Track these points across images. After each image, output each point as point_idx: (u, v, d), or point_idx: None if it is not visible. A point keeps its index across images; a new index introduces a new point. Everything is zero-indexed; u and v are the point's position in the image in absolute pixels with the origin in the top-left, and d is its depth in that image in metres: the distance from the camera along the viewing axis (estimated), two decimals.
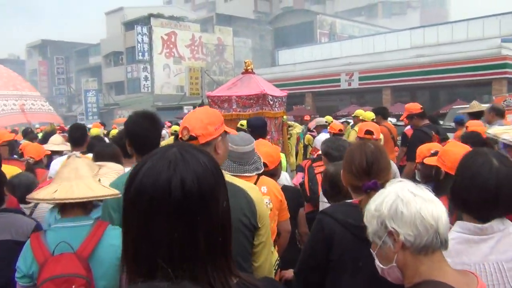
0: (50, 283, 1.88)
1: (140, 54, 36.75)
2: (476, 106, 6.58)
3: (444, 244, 1.35)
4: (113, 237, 2.07)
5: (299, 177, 4.47)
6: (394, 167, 4.35)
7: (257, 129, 4.56)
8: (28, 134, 9.00)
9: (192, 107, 24.89)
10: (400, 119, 7.41)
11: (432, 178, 2.64)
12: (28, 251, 1.99)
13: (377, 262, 1.45)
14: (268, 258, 2.17)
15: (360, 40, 26.23)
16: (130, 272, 0.96)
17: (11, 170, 3.48)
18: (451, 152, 2.46)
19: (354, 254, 1.82)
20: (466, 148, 2.39)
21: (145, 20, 38.16)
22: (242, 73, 6.27)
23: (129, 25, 40.04)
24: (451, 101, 20.44)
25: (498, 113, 5.85)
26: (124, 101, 40.04)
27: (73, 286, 1.88)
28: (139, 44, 36.50)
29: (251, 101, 5.75)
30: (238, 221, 1.96)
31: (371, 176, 1.90)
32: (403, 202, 1.34)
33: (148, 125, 2.54)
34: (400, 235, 1.33)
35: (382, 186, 1.69)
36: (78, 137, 4.64)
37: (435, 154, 2.74)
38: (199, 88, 27.19)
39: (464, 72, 19.58)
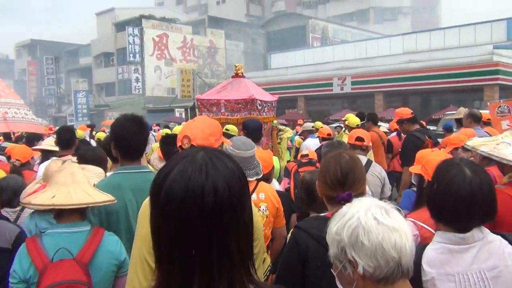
0: None
1: (131, 55, 36.51)
2: (463, 112, 6.64)
3: (406, 273, 1.28)
4: (110, 243, 2.11)
5: (285, 182, 4.42)
6: (383, 173, 4.31)
7: (253, 131, 4.55)
8: (8, 137, 8.66)
9: (183, 109, 24.70)
10: (390, 124, 7.49)
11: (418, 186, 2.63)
12: (25, 256, 1.97)
13: (337, 283, 1.40)
14: (259, 268, 2.17)
15: (353, 45, 26.26)
16: (165, 272, 0.97)
17: None
18: (434, 162, 2.40)
19: (329, 269, 1.76)
20: (448, 156, 2.39)
21: (137, 21, 37.96)
22: (232, 77, 6.26)
23: (120, 26, 39.79)
24: (442, 107, 20.50)
25: (475, 119, 5.92)
26: (115, 102, 39.70)
27: None
28: (130, 45, 36.26)
29: (239, 105, 5.76)
30: None
31: (345, 187, 1.90)
32: (365, 231, 1.26)
33: (135, 129, 2.53)
34: (359, 265, 1.26)
35: (358, 197, 1.66)
36: (67, 139, 4.61)
37: None
38: (191, 91, 27.00)
39: (456, 78, 19.67)
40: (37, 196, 2.13)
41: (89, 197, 2.08)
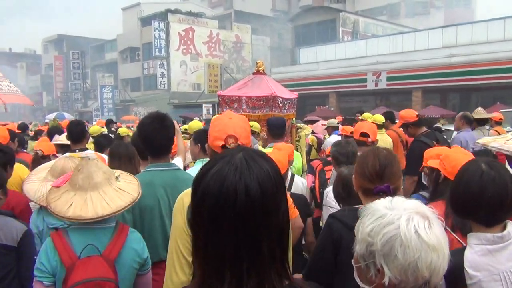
0: (81, 286, 1.86)
1: (156, 50, 36.12)
2: (481, 113, 6.62)
3: None
4: (134, 240, 2.12)
5: (309, 180, 4.37)
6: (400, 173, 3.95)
7: (276, 128, 4.59)
8: (24, 129, 8.91)
9: (211, 105, 24.01)
10: (391, 128, 7.15)
11: (432, 181, 2.66)
12: (52, 251, 1.95)
13: (355, 275, 1.33)
14: None
15: (388, 39, 25.01)
16: (201, 277, 1.00)
17: (16, 168, 3.49)
18: (452, 157, 2.46)
19: None
20: (469, 154, 2.46)
21: (162, 16, 37.60)
22: (254, 74, 6.25)
23: (146, 21, 39.49)
24: (483, 105, 19.35)
25: (467, 121, 6.08)
26: (140, 97, 39.44)
27: None
28: (156, 40, 35.86)
29: (261, 102, 5.77)
30: None
31: (384, 180, 1.94)
32: (402, 244, 1.17)
33: (157, 126, 2.59)
34: (386, 276, 1.19)
35: (394, 191, 1.91)
36: (78, 133, 4.59)
37: None
38: (218, 86, 26.34)
39: (501, 74, 18.41)
40: (56, 199, 2.07)
41: (105, 206, 2.03)
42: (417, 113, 5.26)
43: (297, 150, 5.79)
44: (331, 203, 3.20)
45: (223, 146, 1.96)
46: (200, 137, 3.51)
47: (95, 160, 2.21)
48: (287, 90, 6.60)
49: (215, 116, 2.43)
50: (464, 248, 1.73)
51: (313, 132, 9.60)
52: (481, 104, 21.54)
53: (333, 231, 1.99)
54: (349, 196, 2.55)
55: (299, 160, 4.59)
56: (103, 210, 2.00)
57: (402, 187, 2.17)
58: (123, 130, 9.17)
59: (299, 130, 6.42)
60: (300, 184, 3.91)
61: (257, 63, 6.38)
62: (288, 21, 37.05)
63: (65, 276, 1.90)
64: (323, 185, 4.07)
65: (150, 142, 2.63)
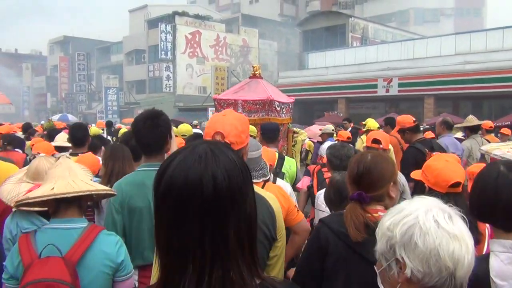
0: (32, 286, 1.79)
1: (163, 52, 35.74)
2: (473, 120, 6.58)
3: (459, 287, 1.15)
4: (106, 243, 2.01)
5: (306, 181, 4.34)
6: (402, 179, 4.08)
7: (269, 132, 4.56)
8: (27, 129, 9.00)
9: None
10: (391, 133, 7.21)
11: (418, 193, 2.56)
12: (16, 252, 1.93)
13: (379, 281, 1.30)
14: (281, 271, 2.12)
15: (399, 45, 24.51)
16: (163, 271, 0.98)
17: (4, 167, 3.40)
18: (434, 167, 2.37)
19: (346, 264, 1.84)
20: (450, 162, 2.37)
21: (169, 18, 37.29)
22: (250, 77, 6.21)
23: (153, 23, 39.20)
24: (496, 114, 18.84)
25: (447, 126, 6.10)
26: (145, 100, 39.02)
27: None
28: (162, 43, 35.50)
29: (257, 106, 5.73)
30: (258, 230, 1.63)
31: (360, 187, 1.90)
32: (421, 232, 1.15)
33: (149, 124, 2.53)
34: (407, 268, 1.17)
35: (378, 198, 1.88)
36: (80, 137, 4.52)
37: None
38: (225, 89, 25.86)
39: None
40: (35, 190, 2.08)
41: (90, 186, 2.04)
42: (414, 119, 5.16)
43: (292, 156, 5.76)
44: (321, 206, 3.15)
45: None
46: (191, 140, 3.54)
47: (70, 159, 2.25)
48: (284, 94, 6.53)
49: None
50: (487, 255, 1.65)
51: (309, 138, 9.73)
52: (494, 113, 21.09)
53: (321, 236, 1.95)
54: (340, 202, 2.54)
55: (293, 166, 4.51)
56: (87, 187, 2.02)
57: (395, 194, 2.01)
58: (123, 131, 8.83)
59: (295, 135, 6.40)
60: (282, 185, 3.78)
61: (253, 67, 6.34)
62: (296, 25, 36.64)
63: (22, 276, 1.85)
64: (321, 184, 4.00)
65: (141, 139, 2.58)
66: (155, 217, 1.00)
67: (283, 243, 2.12)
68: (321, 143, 7.95)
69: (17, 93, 54.02)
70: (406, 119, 5.21)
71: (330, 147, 3.96)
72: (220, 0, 56.25)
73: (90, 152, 4.32)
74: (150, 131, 2.54)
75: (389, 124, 7.28)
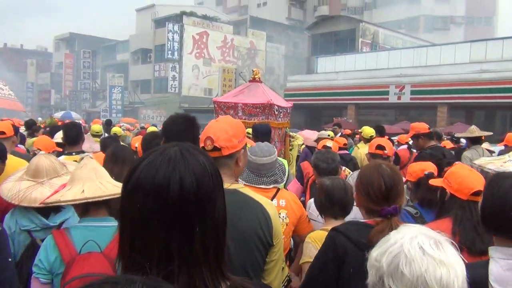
0: (78, 281, 1.82)
1: (169, 52, 35.29)
2: (474, 131, 6.53)
3: None
4: None
5: (294, 187, 4.28)
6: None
7: (262, 135, 4.51)
8: (31, 126, 8.89)
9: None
10: (399, 138, 7.45)
11: (429, 200, 2.70)
12: (52, 247, 1.95)
13: None
14: (277, 276, 2.09)
15: (411, 51, 23.96)
16: (125, 267, 0.96)
17: (14, 162, 3.40)
18: (458, 174, 2.39)
19: (365, 275, 1.62)
20: (473, 171, 2.46)
21: (177, 18, 36.87)
22: (250, 81, 6.29)
23: (160, 23, 38.79)
24: (510, 124, 18.30)
25: (437, 137, 6.25)
26: (150, 100, 38.57)
27: None
28: (169, 42, 35.05)
29: (257, 109, 5.80)
30: (254, 235, 1.93)
31: (390, 201, 1.88)
32: (407, 260, 1.15)
33: (185, 127, 2.54)
34: None
35: (400, 209, 1.92)
36: (73, 136, 4.48)
37: (430, 175, 2.91)
38: None
39: None
40: (65, 192, 2.06)
41: (118, 189, 1.99)
42: (428, 126, 5.28)
43: (289, 160, 5.91)
44: (313, 215, 3.14)
45: (202, 148, 1.89)
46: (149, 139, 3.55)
47: (94, 159, 2.24)
48: (282, 99, 6.58)
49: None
50: (486, 262, 1.67)
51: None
52: (508, 123, 20.51)
53: (337, 245, 1.90)
54: (332, 206, 2.59)
55: (285, 166, 4.34)
56: (117, 190, 1.99)
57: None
58: (118, 130, 9.24)
59: (292, 139, 6.44)
60: None
61: (253, 71, 6.39)
62: (305, 29, 36.19)
63: (64, 271, 1.88)
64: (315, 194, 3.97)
65: (176, 140, 2.11)
66: (120, 218, 0.98)
67: (280, 248, 2.08)
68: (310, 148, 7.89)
69: (21, 89, 53.73)
70: (421, 126, 5.28)
71: (316, 153, 3.99)
72: (228, 2, 55.91)
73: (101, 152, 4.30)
74: (188, 133, 2.52)
75: (378, 132, 7.37)
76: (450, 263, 1.13)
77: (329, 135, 8.52)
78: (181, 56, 36.00)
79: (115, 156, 3.28)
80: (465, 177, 2.33)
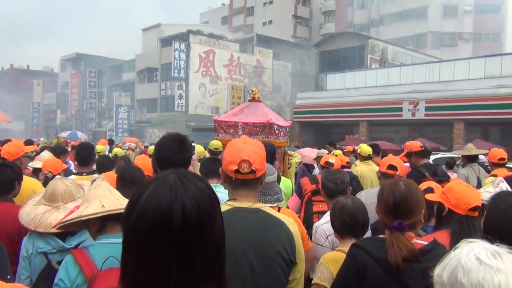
0: None
1: (176, 71, 35.08)
2: (472, 149, 6.62)
3: None
4: None
5: (293, 202, 4.32)
6: None
7: (268, 154, 3.96)
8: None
9: None
10: (399, 157, 6.71)
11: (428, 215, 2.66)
12: (72, 265, 1.97)
13: None
14: None
15: (424, 67, 23.53)
16: None
17: (31, 183, 3.58)
18: (456, 190, 2.50)
19: None
20: (470, 187, 2.58)
21: (183, 37, 36.72)
22: (249, 101, 6.38)
23: (166, 42, 38.70)
24: None
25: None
26: (156, 119, 38.20)
27: None
28: (175, 61, 34.87)
29: (257, 128, 5.86)
30: (276, 253, 1.96)
31: (398, 216, 1.95)
32: (464, 271, 1.18)
33: (175, 148, 2.59)
34: None
35: (412, 226, 1.99)
36: (85, 156, 4.52)
37: (428, 190, 2.88)
38: None
39: None
40: (83, 210, 2.09)
41: None
42: (421, 145, 5.34)
43: (287, 177, 5.90)
44: (320, 240, 3.10)
45: (237, 171, 1.96)
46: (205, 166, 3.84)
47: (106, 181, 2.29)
48: (281, 118, 6.76)
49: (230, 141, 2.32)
50: None
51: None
52: None
53: (358, 260, 1.94)
54: (356, 226, 2.63)
55: (289, 186, 4.67)
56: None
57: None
58: (119, 151, 9.25)
59: (290, 157, 6.55)
60: None
61: (252, 91, 6.50)
62: (313, 46, 35.90)
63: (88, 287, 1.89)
64: (308, 220, 3.96)
65: (165, 162, 2.57)
66: (124, 247, 1.01)
67: (303, 266, 2.10)
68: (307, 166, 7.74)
69: (27, 109, 53.61)
70: (413, 144, 5.39)
71: (324, 172, 3.94)
72: (233, 21, 56.09)
73: (112, 172, 4.25)
74: (178, 154, 2.58)
75: (373, 150, 7.36)
76: (509, 270, 1.14)
77: (336, 155, 8.36)
78: (187, 75, 35.76)
79: (123, 179, 3.25)
80: (463, 193, 2.42)
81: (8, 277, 2.27)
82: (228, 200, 2.07)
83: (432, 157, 14.47)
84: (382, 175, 4.21)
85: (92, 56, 55.29)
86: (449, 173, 8.18)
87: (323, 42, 33.96)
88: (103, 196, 2.10)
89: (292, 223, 2.12)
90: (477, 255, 1.18)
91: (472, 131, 20.03)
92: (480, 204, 2.43)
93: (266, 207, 2.08)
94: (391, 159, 4.47)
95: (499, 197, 2.11)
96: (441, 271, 1.25)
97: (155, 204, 0.97)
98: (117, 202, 2.08)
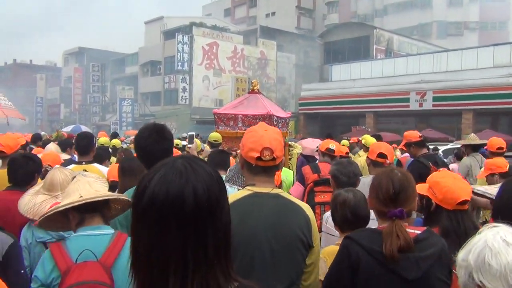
0: None
1: (179, 64, 34.89)
2: (475, 139, 6.63)
3: None
4: None
5: (296, 189, 4.32)
6: None
7: None
8: (37, 141, 8.90)
9: None
10: (399, 147, 7.37)
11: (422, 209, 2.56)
12: (48, 259, 1.97)
13: None
14: (317, 279, 2.15)
15: (431, 57, 23.17)
16: (141, 280, 1.00)
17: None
18: (442, 184, 2.36)
19: (378, 282, 1.86)
20: (457, 179, 2.41)
21: (186, 29, 36.46)
22: (249, 93, 6.39)
23: (169, 34, 38.47)
24: None
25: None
26: (160, 112, 38.05)
27: None
28: (179, 53, 34.66)
29: (257, 120, 5.82)
30: (296, 238, 1.99)
31: (397, 204, 1.94)
32: (492, 253, 1.22)
33: (154, 138, 2.57)
34: None
35: (408, 213, 1.96)
36: (84, 146, 4.62)
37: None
38: None
39: None
40: (63, 201, 2.12)
41: (114, 194, 2.23)
42: (420, 134, 5.29)
43: (289, 167, 5.98)
44: (331, 229, 3.00)
45: (258, 158, 1.99)
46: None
47: (86, 176, 2.30)
48: (281, 109, 6.81)
49: (249, 128, 2.33)
50: None
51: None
52: None
53: (351, 253, 1.92)
54: (357, 221, 2.54)
55: (290, 176, 4.71)
56: (113, 195, 2.17)
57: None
58: (117, 142, 9.33)
59: (291, 148, 6.59)
60: None
61: (252, 83, 6.52)
62: (317, 37, 35.51)
63: (60, 281, 1.89)
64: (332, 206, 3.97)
65: (145, 153, 2.58)
66: (134, 231, 1.02)
67: (318, 249, 2.17)
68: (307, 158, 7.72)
69: (30, 104, 53.56)
70: (412, 134, 5.33)
71: (336, 164, 3.83)
72: (236, 12, 55.67)
73: (95, 164, 4.50)
74: (157, 145, 2.55)
75: (377, 140, 7.49)
76: None
77: (344, 145, 8.53)
78: (191, 67, 35.54)
79: (123, 170, 3.33)
80: (450, 187, 2.30)
81: (22, 271, 2.28)
82: (247, 185, 2.11)
83: (441, 148, 14.28)
84: (372, 163, 4.19)
85: (95, 50, 55.17)
86: (456, 164, 8.20)
87: (327, 33, 33.56)
88: (82, 189, 2.10)
89: (308, 208, 2.17)
90: (504, 238, 1.22)
91: (481, 121, 19.74)
92: (469, 198, 2.33)
93: (285, 193, 2.13)
94: (380, 146, 4.41)
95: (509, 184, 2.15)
96: (465, 255, 1.26)
97: (166, 189, 0.97)
98: (96, 192, 2.08)
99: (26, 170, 3.23)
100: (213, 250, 1.00)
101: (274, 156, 1.99)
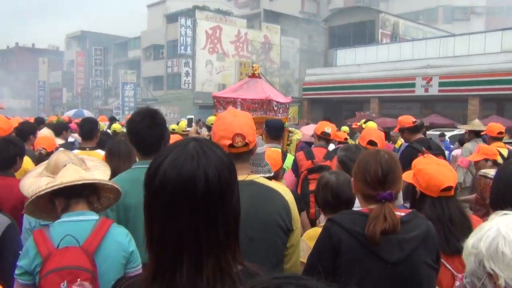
0: (55, 274, 1.84)
1: (182, 48, 34.48)
2: (480, 125, 6.70)
3: None
4: (118, 234, 2.09)
5: (289, 177, 4.30)
6: None
7: (276, 130, 4.57)
8: (40, 124, 8.66)
9: None
10: (392, 132, 7.51)
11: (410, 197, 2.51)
12: (31, 246, 1.96)
13: None
14: (297, 260, 2.19)
15: (437, 41, 22.81)
16: (155, 263, 1.02)
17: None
18: (424, 172, 2.31)
19: (360, 264, 1.86)
20: (441, 165, 2.35)
21: (189, 13, 36.01)
22: (249, 77, 6.35)
23: (172, 18, 38.00)
24: None
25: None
26: (163, 97, 37.86)
27: (78, 279, 1.85)
28: (182, 37, 34.23)
29: (256, 105, 5.89)
30: (275, 224, 2.01)
31: (386, 187, 1.91)
32: (505, 241, 1.19)
33: (146, 123, 2.54)
34: (500, 278, 1.19)
35: (395, 195, 1.91)
36: (87, 131, 4.63)
37: None
38: None
39: None
40: (43, 181, 2.23)
41: (97, 178, 2.17)
42: (414, 120, 5.29)
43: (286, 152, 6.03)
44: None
45: (231, 145, 1.95)
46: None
47: (64, 152, 2.48)
48: (281, 94, 6.81)
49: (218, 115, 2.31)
50: None
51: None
52: None
53: (332, 235, 1.90)
54: (339, 205, 2.52)
55: (291, 162, 4.61)
56: (96, 178, 2.16)
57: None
58: (117, 127, 9.36)
59: (290, 134, 6.60)
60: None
61: (253, 67, 6.53)
62: (322, 21, 35.06)
63: (41, 266, 1.88)
64: (305, 198, 3.90)
65: (137, 138, 2.57)
66: (147, 213, 1.04)
67: (298, 232, 2.16)
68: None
69: (32, 88, 53.40)
70: (405, 119, 5.33)
71: (344, 149, 3.77)
72: None
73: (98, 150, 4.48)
74: (150, 130, 2.53)
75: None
76: None
77: (344, 131, 8.49)
78: (194, 52, 35.18)
79: (110, 152, 3.38)
80: (432, 174, 2.26)
81: (20, 252, 2.29)
82: None
83: (448, 134, 14.11)
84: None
85: (97, 33, 54.76)
86: (459, 149, 8.22)
87: (332, 17, 33.12)
88: (67, 175, 2.09)
89: (287, 191, 2.18)
90: None
91: (487, 107, 19.53)
92: (453, 184, 2.27)
93: (260, 178, 2.11)
94: (370, 133, 4.41)
95: (506, 165, 2.19)
96: (476, 243, 1.24)
97: (177, 172, 0.97)
98: (78, 176, 2.07)
99: (5, 154, 3.26)
100: (224, 232, 1.01)
101: (247, 141, 1.96)
